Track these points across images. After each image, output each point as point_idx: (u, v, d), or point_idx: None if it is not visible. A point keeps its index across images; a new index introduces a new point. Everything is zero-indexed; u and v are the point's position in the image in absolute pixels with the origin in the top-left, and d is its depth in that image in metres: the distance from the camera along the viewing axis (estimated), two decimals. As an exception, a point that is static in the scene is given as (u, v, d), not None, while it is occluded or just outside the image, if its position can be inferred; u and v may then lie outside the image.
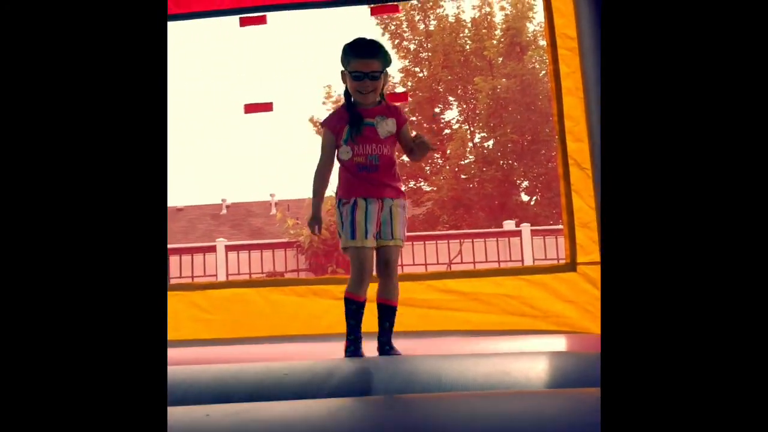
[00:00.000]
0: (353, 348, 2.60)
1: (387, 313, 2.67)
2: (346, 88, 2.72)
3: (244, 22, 3.77)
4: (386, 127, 2.67)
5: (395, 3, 3.79)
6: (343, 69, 2.71)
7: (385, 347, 2.64)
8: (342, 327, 3.46)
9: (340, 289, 3.58)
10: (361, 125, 2.64)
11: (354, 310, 2.61)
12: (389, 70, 2.73)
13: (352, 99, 2.69)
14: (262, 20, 3.76)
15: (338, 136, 2.69)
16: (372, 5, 3.74)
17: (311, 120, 18.74)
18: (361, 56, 2.64)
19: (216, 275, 14.00)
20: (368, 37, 2.76)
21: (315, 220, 2.73)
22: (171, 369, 1.52)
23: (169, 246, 14.55)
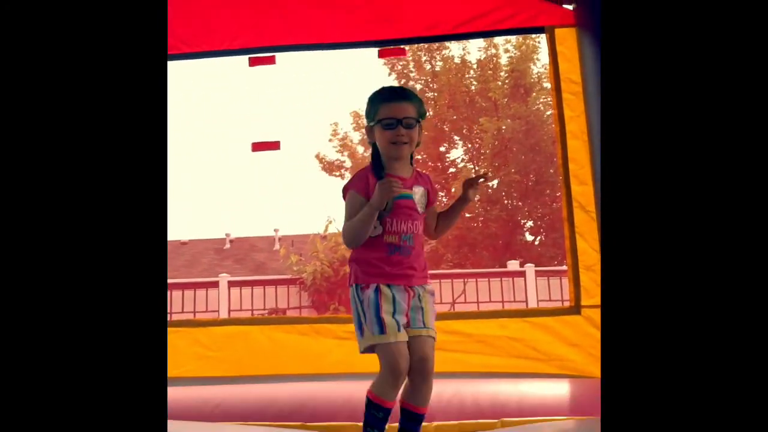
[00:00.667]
0: None
1: (413, 420, 2.16)
2: (374, 149, 2.26)
3: (253, 62, 3.83)
4: (422, 199, 2.24)
5: (403, 46, 3.85)
6: (368, 124, 2.27)
7: None
8: (345, 367, 3.45)
9: (343, 329, 3.59)
10: (397, 196, 2.14)
11: (381, 418, 2.09)
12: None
13: (383, 160, 2.22)
14: (271, 60, 3.82)
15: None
16: (380, 48, 3.80)
17: (317, 156, 18.87)
18: (393, 99, 2.21)
19: (218, 311, 13.94)
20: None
21: (379, 195, 2.10)
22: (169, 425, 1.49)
23: (172, 280, 14.54)
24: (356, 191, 2.18)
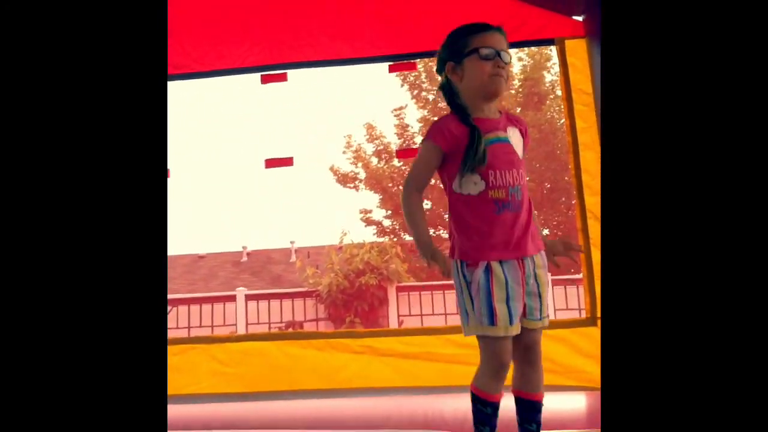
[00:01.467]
0: None
1: (531, 410, 1.94)
2: (451, 94, 1.95)
3: (265, 80, 3.87)
4: (520, 143, 1.95)
5: (413, 61, 3.87)
6: (450, 61, 1.95)
7: None
8: (361, 381, 3.45)
9: (358, 343, 3.59)
10: (491, 141, 1.86)
11: (489, 414, 1.87)
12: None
13: (464, 102, 1.92)
14: (282, 77, 3.85)
15: (452, 156, 1.88)
16: (391, 63, 3.82)
17: (331, 169, 18.93)
18: (487, 30, 1.91)
19: (236, 324, 13.99)
20: None
21: (430, 251, 1.82)
22: None
23: (190, 295, 14.64)
24: (432, 140, 1.89)
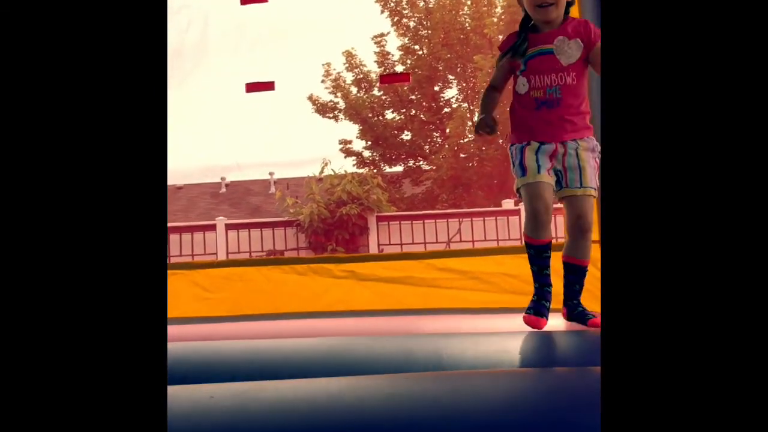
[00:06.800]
0: (535, 299, 2.34)
1: (576, 273, 2.38)
2: (525, 11, 2.33)
3: (245, 0, 3.75)
4: (569, 50, 2.25)
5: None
6: None
7: (577, 308, 2.39)
8: (342, 305, 3.50)
9: (340, 268, 3.62)
10: (534, 54, 2.26)
11: (533, 255, 2.30)
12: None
13: (531, 20, 2.30)
14: (262, -2, 3.74)
15: (516, 61, 2.29)
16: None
17: (310, 98, 18.65)
18: None
19: (216, 254, 14.04)
20: None
21: (484, 119, 2.30)
22: (171, 346, 1.53)
23: (169, 224, 14.58)
24: (501, 49, 2.38)
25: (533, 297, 2.34)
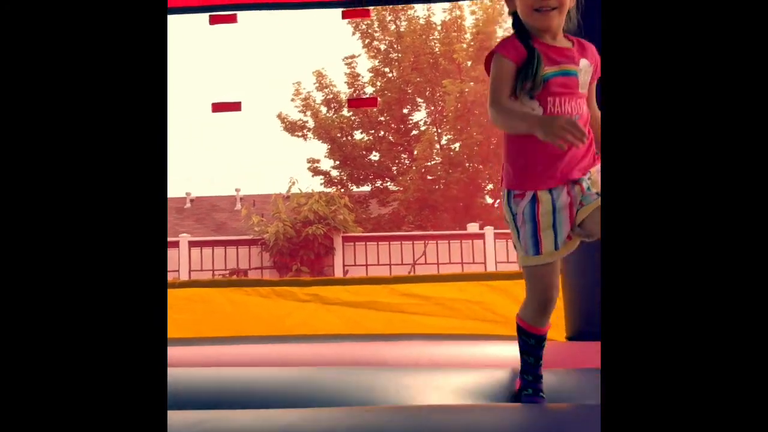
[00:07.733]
0: (531, 391, 1.91)
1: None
2: (514, 18, 1.84)
3: (214, 20, 3.74)
4: (587, 77, 1.83)
5: (367, 8, 3.80)
6: None
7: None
8: (306, 329, 3.47)
9: (304, 291, 3.60)
10: (555, 74, 1.76)
11: (533, 345, 1.91)
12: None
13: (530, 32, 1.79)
14: (232, 19, 3.73)
15: (518, 76, 1.77)
16: (344, 9, 3.74)
17: (279, 116, 18.62)
18: None
19: (179, 271, 13.85)
20: None
21: (572, 121, 1.64)
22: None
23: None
24: (505, 54, 1.79)
25: (528, 388, 1.93)
